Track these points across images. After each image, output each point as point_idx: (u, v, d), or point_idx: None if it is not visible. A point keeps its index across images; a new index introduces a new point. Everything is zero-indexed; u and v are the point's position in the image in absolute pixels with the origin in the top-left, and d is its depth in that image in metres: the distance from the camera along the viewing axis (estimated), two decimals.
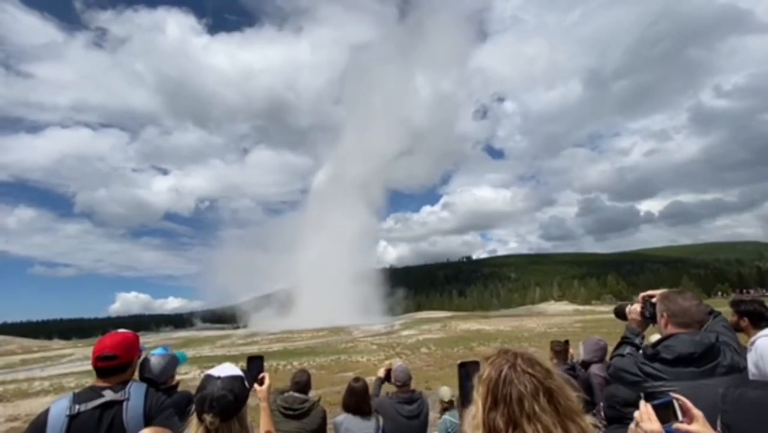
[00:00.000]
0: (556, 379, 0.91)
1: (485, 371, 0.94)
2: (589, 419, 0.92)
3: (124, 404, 1.60)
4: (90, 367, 1.76)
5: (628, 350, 1.79)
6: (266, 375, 1.95)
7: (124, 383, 1.69)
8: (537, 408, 0.86)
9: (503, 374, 0.90)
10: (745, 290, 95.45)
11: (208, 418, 1.33)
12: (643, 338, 1.85)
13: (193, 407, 1.45)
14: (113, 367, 1.69)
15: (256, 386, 1.91)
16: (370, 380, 3.66)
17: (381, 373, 3.56)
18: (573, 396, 0.91)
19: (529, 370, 0.90)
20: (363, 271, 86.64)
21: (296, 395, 3.00)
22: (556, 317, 52.38)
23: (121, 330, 1.84)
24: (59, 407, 1.57)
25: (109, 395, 1.61)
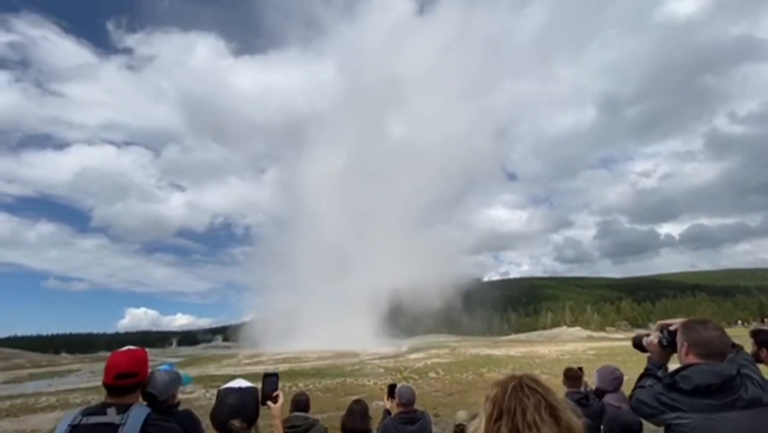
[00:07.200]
0: (558, 398, 1.01)
1: (493, 390, 1.04)
2: None
3: (120, 429, 1.56)
4: (97, 383, 1.75)
5: (649, 382, 1.73)
6: (280, 393, 1.94)
7: (129, 405, 1.64)
8: (538, 419, 0.94)
9: (509, 389, 1.00)
10: (766, 319, 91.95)
11: (236, 423, 1.46)
12: (666, 370, 1.79)
13: (203, 425, 1.49)
14: (133, 385, 1.68)
15: (270, 403, 1.89)
16: (377, 405, 3.62)
17: (387, 404, 3.58)
18: (574, 417, 0.99)
19: (533, 386, 1.00)
20: (372, 291, 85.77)
21: (298, 414, 3.09)
22: (568, 343, 50.88)
23: (130, 347, 1.80)
24: (68, 417, 1.59)
25: (110, 415, 1.59)
